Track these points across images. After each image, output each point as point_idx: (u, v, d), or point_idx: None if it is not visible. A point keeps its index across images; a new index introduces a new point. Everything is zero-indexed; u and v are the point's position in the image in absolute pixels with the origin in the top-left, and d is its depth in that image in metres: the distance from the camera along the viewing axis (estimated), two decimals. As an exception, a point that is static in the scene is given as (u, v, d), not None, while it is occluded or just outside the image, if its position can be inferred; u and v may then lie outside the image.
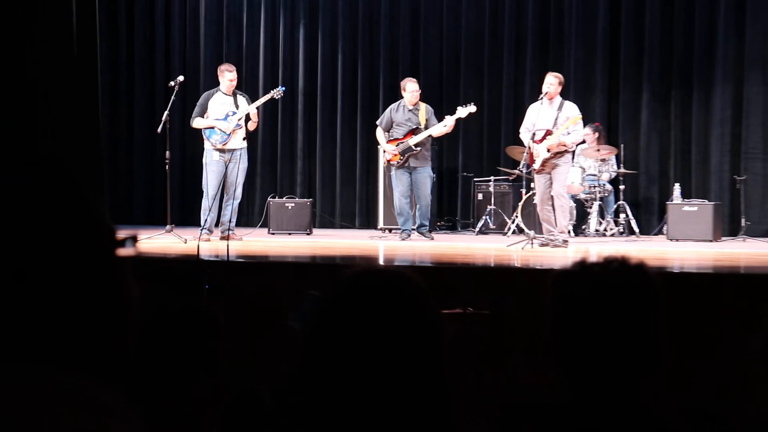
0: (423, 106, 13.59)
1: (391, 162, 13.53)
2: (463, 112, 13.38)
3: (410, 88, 13.67)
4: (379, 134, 13.82)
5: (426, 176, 13.54)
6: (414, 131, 13.40)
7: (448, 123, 13.34)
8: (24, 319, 1.29)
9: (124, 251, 1.40)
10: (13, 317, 1.29)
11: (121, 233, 1.41)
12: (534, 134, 12.38)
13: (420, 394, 2.04)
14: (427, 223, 13.67)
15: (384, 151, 13.84)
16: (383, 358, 2.03)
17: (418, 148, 13.37)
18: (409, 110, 13.58)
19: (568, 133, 12.30)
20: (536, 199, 12.78)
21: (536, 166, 12.40)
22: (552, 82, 12.47)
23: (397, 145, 13.44)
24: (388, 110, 13.88)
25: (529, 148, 12.37)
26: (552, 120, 12.38)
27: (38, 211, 1.32)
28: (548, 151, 12.28)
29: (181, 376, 2.01)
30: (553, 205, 12.46)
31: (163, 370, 1.98)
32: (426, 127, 13.40)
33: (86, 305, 1.33)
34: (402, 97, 13.74)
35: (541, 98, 12.52)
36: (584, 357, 2.54)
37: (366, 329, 2.06)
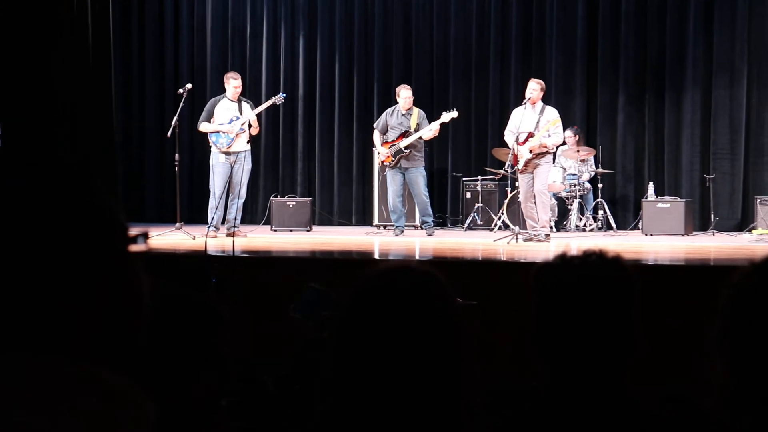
0: (415, 111, 13.60)
1: (385, 163, 13.58)
2: (446, 116, 13.42)
3: (403, 94, 13.72)
4: (376, 137, 13.85)
5: (418, 175, 13.53)
6: (405, 134, 13.42)
7: (434, 128, 13.38)
8: (40, 312, 1.29)
9: (135, 247, 1.40)
10: (30, 310, 1.29)
11: (133, 230, 1.41)
12: (517, 137, 12.41)
13: (437, 387, 2.04)
14: (429, 219, 13.68)
15: (378, 153, 13.84)
16: (407, 352, 2.03)
17: (408, 150, 13.38)
18: (402, 114, 13.61)
19: (549, 136, 12.35)
20: (520, 197, 12.79)
21: (520, 166, 12.45)
22: (534, 87, 12.51)
23: (390, 147, 13.46)
24: (384, 114, 13.91)
25: (513, 149, 12.43)
26: (534, 123, 12.42)
27: (56, 209, 1.32)
28: (530, 152, 12.33)
29: (186, 366, 2.01)
30: (535, 203, 12.50)
31: (169, 360, 1.98)
32: (416, 131, 13.41)
33: (99, 298, 1.34)
34: (397, 103, 13.77)
35: (524, 103, 12.54)
36: (565, 345, 2.56)
37: (392, 325, 2.06)
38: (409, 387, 2.01)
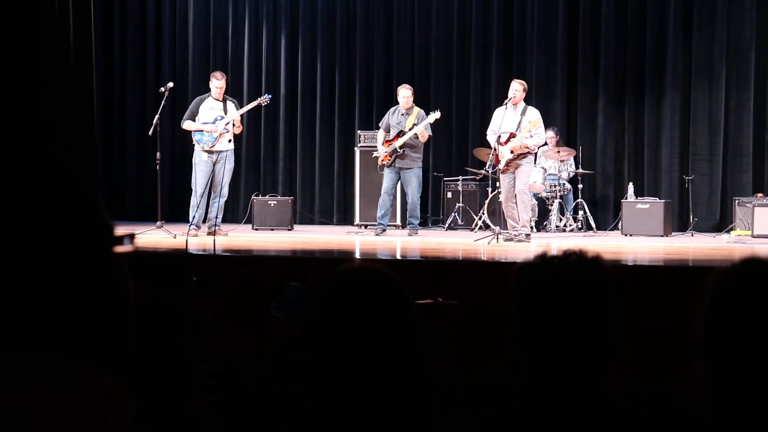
0: (415, 110, 13.59)
1: (383, 162, 13.57)
2: (431, 117, 13.40)
3: (402, 93, 13.77)
4: (378, 135, 13.89)
5: (411, 176, 13.53)
6: (400, 134, 13.43)
7: (418, 129, 13.34)
8: (28, 312, 1.29)
9: (121, 248, 1.40)
10: (19, 309, 1.29)
11: (120, 231, 1.41)
12: (499, 137, 12.45)
13: (402, 378, 2.05)
14: (415, 221, 13.65)
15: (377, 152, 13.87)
16: (368, 346, 2.05)
17: (402, 150, 13.39)
18: (402, 114, 13.62)
19: (531, 136, 12.39)
20: (501, 197, 12.81)
21: (501, 166, 12.49)
22: (517, 88, 12.54)
23: (388, 147, 13.49)
24: (387, 113, 13.95)
25: (495, 149, 12.44)
26: (516, 124, 12.45)
27: (43, 207, 1.32)
28: (512, 152, 12.36)
29: (163, 365, 2.01)
30: (516, 203, 12.52)
31: (147, 359, 1.98)
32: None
33: (86, 299, 1.33)
34: (398, 103, 13.83)
35: (506, 103, 12.57)
36: (545, 343, 2.56)
37: (352, 321, 2.07)
38: (372, 380, 2.03)
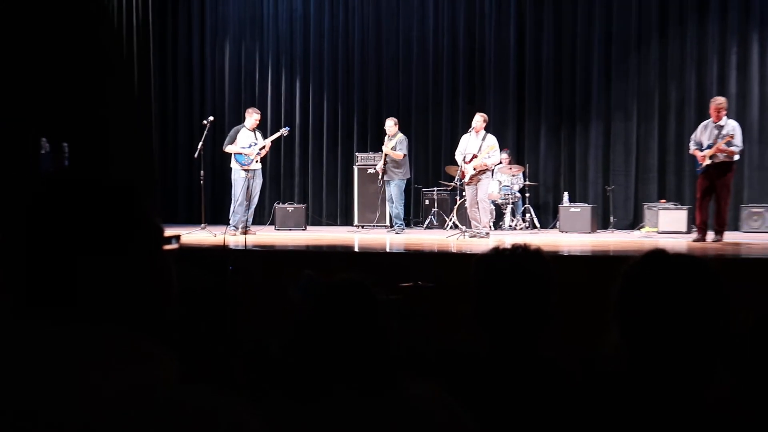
0: (397, 137, 13.66)
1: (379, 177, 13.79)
2: (387, 148, 13.65)
3: (387, 123, 13.86)
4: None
5: (393, 186, 13.64)
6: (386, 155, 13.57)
7: (385, 150, 13.65)
8: (95, 294, 1.31)
9: (169, 246, 1.41)
10: (90, 292, 1.30)
11: (168, 233, 1.42)
12: (464, 157, 12.48)
13: (369, 349, 2.09)
14: (397, 222, 13.74)
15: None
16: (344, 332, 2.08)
17: (384, 166, 13.49)
18: (389, 139, 13.67)
19: (489, 157, 12.43)
20: (467, 204, 12.82)
21: (466, 180, 12.54)
22: (479, 120, 12.61)
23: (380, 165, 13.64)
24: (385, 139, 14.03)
25: (461, 167, 12.48)
26: (477, 147, 12.47)
27: (112, 215, 1.33)
28: (474, 169, 12.38)
29: (206, 333, 2.03)
30: (478, 208, 12.53)
31: (194, 329, 1.99)
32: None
33: (141, 284, 1.35)
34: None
35: (470, 131, 12.59)
36: (498, 316, 2.57)
37: (334, 316, 2.12)
38: (348, 354, 2.07)
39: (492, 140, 12.68)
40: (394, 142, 13.59)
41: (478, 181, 12.54)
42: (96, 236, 1.31)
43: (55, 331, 1.26)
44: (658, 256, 2.11)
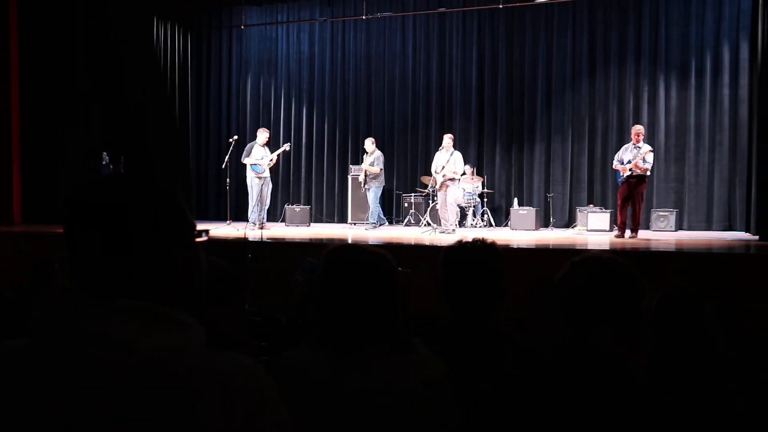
0: (375, 154, 13.63)
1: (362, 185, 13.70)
2: (366, 165, 13.60)
3: (366, 143, 13.79)
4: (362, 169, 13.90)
5: (370, 193, 13.62)
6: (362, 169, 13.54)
7: (363, 167, 13.62)
8: (141, 274, 1.30)
9: (199, 239, 1.40)
10: (136, 273, 1.29)
11: (199, 227, 1.41)
12: (436, 168, 12.57)
13: (384, 315, 2.05)
14: (373, 220, 13.71)
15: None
16: (360, 294, 2.04)
17: (364, 177, 13.49)
18: (367, 155, 13.63)
19: (455, 171, 12.48)
20: (438, 206, 12.83)
21: (437, 186, 12.54)
22: (447, 140, 12.68)
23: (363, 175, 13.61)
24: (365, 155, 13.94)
25: (434, 176, 12.52)
26: (446, 161, 12.52)
27: (158, 212, 1.32)
28: (443, 177, 12.41)
29: (225, 307, 1.98)
30: (447, 210, 12.56)
31: (216, 304, 1.95)
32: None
33: (178, 268, 1.33)
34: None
35: (441, 149, 12.65)
36: (461, 295, 2.55)
37: (347, 279, 2.06)
38: (365, 315, 2.01)
39: (458, 156, 12.76)
40: (372, 158, 13.58)
41: (447, 188, 12.59)
42: (142, 230, 1.30)
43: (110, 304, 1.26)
44: (589, 261, 2.08)
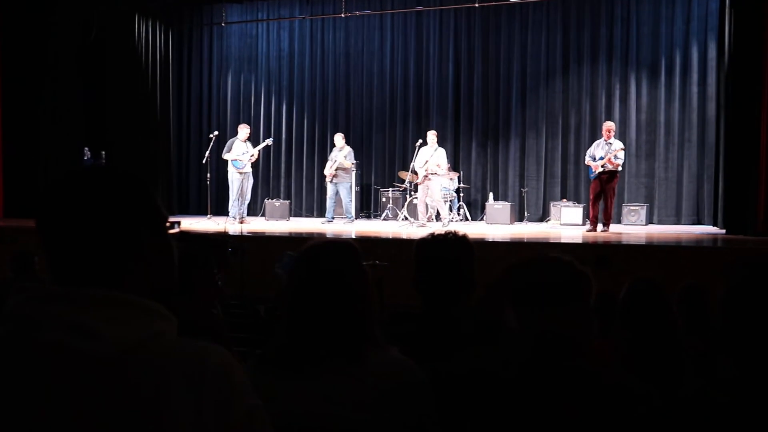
0: (345, 149, 13.55)
1: (329, 179, 13.57)
2: (340, 158, 13.45)
3: (336, 137, 13.83)
4: (327, 164, 13.78)
5: (342, 187, 13.50)
6: (335, 163, 13.41)
7: (338, 161, 13.41)
8: (113, 264, 1.29)
9: (172, 230, 1.39)
10: (107, 263, 1.28)
11: (171, 219, 1.40)
12: (417, 163, 12.64)
13: (353, 308, 2.01)
14: (349, 215, 13.62)
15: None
16: (331, 287, 2.01)
17: (335, 171, 13.39)
18: (338, 150, 13.56)
19: (438, 165, 12.50)
20: (418, 200, 12.87)
21: (419, 180, 12.56)
22: (432, 136, 12.91)
23: (330, 170, 13.50)
24: (333, 150, 13.83)
25: (417, 171, 12.61)
26: (430, 156, 12.59)
27: (128, 202, 1.31)
28: (426, 171, 12.45)
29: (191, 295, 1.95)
30: (427, 204, 12.64)
31: (187, 294, 1.92)
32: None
33: (150, 258, 1.32)
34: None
35: (425, 144, 12.72)
36: (432, 286, 2.55)
37: (322, 273, 2.03)
38: (334, 308, 1.98)
39: (441, 151, 12.81)
40: (345, 153, 13.50)
41: (428, 182, 12.61)
42: (116, 213, 1.29)
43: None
44: (546, 260, 2.09)
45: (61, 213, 1.27)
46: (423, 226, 12.43)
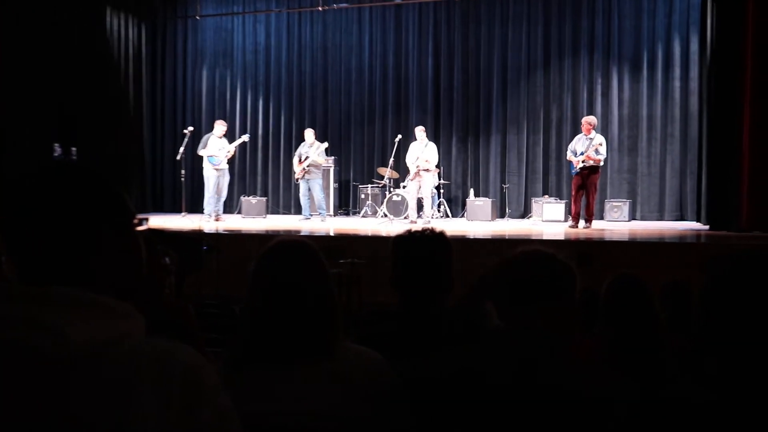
0: (315, 144, 13.49)
1: (298, 176, 13.51)
2: (313, 155, 13.38)
3: (307, 133, 13.71)
4: (295, 160, 13.70)
5: (315, 184, 13.43)
6: (306, 159, 13.34)
7: (312, 157, 13.33)
8: (77, 262, 1.26)
9: (140, 227, 1.38)
10: (76, 261, 1.26)
11: (139, 216, 1.38)
12: (413, 160, 12.77)
13: (317, 307, 2.00)
14: (322, 212, 13.52)
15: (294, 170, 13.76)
16: (293, 288, 2.00)
17: (308, 168, 13.32)
18: (308, 147, 13.50)
19: (428, 160, 12.54)
20: (409, 195, 12.90)
21: (410, 176, 12.78)
22: (420, 132, 13.06)
23: (300, 167, 13.43)
24: (300, 146, 13.77)
25: (409, 167, 12.52)
26: (421, 152, 12.68)
27: (92, 199, 1.29)
28: (417, 167, 12.60)
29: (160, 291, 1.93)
30: (419, 199, 12.73)
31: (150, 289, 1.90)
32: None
33: (117, 256, 1.30)
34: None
35: (415, 141, 12.68)
36: (409, 283, 2.55)
37: (282, 272, 2.02)
38: (295, 310, 1.98)
39: (432, 146, 12.88)
40: (317, 149, 13.43)
41: (420, 178, 12.63)
42: (84, 212, 1.28)
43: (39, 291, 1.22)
44: (531, 254, 2.09)
45: (20, 211, 1.26)
46: (414, 222, 12.44)
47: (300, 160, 13.45)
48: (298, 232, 11.36)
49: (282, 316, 1.96)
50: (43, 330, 1.17)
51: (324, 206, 13.60)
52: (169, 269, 1.92)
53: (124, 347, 1.19)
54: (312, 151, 13.38)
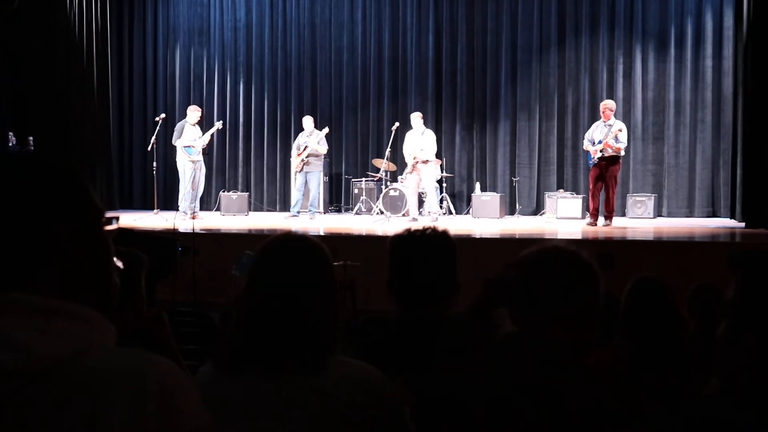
0: (315, 132, 13.52)
1: (296, 169, 13.53)
2: (313, 144, 13.39)
3: (306, 121, 13.67)
4: (293, 152, 13.74)
5: (313, 177, 13.45)
6: (305, 149, 13.37)
7: (311, 147, 13.34)
8: (35, 265, 1.27)
9: (109, 227, 1.38)
10: (32, 265, 1.26)
11: (108, 214, 1.39)
12: (411, 151, 12.85)
13: (317, 314, 2.00)
14: (313, 209, 13.54)
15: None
16: (295, 289, 2.00)
17: (307, 159, 13.34)
18: (307, 136, 13.53)
19: (422, 150, 12.57)
20: (408, 189, 12.91)
21: (408, 169, 12.86)
22: (417, 119, 13.02)
23: (299, 157, 13.44)
24: (299, 136, 13.79)
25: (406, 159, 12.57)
26: (418, 141, 12.70)
27: (53, 195, 1.29)
28: (414, 159, 12.69)
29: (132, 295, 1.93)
30: (419, 193, 12.89)
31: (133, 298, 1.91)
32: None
33: (82, 259, 1.31)
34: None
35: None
36: (408, 288, 2.57)
37: (283, 272, 2.02)
38: (296, 312, 1.98)
39: (429, 134, 12.94)
40: (317, 137, 13.46)
41: (419, 171, 12.63)
42: (39, 209, 1.27)
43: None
44: (546, 252, 2.10)
45: None
46: (415, 219, 12.45)
47: (299, 151, 13.48)
48: (288, 230, 11.38)
49: (277, 321, 1.96)
50: (3, 342, 1.18)
51: (317, 203, 13.63)
52: (141, 273, 1.94)
53: (93, 360, 1.20)
54: (311, 140, 13.40)
